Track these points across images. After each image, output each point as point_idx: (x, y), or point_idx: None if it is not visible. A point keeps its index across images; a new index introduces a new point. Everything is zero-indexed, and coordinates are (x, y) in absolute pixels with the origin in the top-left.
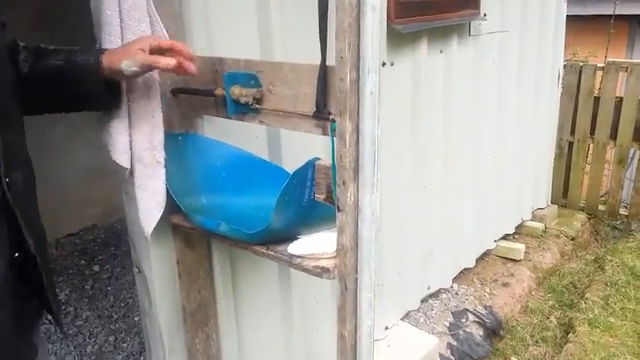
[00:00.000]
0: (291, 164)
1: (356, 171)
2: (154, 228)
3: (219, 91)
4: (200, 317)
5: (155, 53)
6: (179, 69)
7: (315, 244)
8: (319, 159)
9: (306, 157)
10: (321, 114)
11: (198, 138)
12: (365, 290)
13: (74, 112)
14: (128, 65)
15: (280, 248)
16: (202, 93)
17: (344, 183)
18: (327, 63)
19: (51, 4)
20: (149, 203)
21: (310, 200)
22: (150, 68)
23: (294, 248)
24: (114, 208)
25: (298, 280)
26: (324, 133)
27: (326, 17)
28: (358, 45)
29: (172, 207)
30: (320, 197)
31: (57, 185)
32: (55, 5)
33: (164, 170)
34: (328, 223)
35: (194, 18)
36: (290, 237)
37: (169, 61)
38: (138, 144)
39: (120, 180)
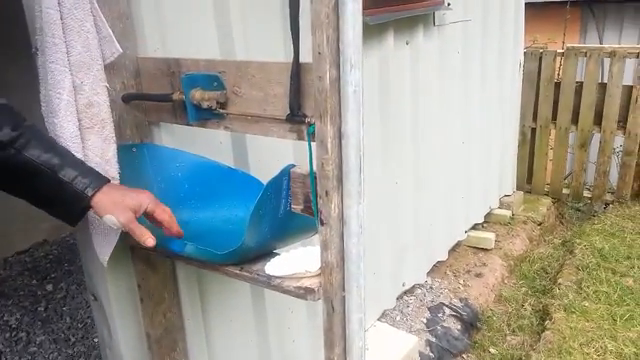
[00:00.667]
0: (259, 171)
1: (340, 180)
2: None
3: (177, 95)
4: (167, 342)
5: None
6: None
7: (296, 262)
8: (294, 166)
9: (275, 163)
10: (296, 117)
11: (155, 148)
12: (355, 310)
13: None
14: (110, 221)
15: (256, 268)
16: (157, 99)
17: (327, 194)
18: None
19: None
20: (103, 226)
21: (286, 212)
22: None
23: (272, 268)
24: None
25: (271, 292)
26: (299, 138)
27: (298, 7)
28: (337, 39)
29: None
30: (297, 208)
31: (2, 198)
32: None
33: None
34: (305, 234)
35: (145, 15)
36: (265, 253)
37: (150, 242)
38: (89, 158)
39: None
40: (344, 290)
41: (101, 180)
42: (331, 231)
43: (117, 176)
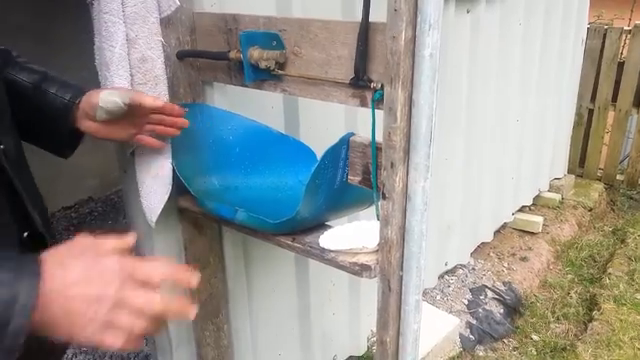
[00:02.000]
0: (310, 138)
1: (407, 152)
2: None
3: (234, 54)
4: (210, 308)
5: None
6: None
7: (352, 236)
8: (354, 134)
9: (326, 130)
10: (360, 82)
11: (207, 108)
12: (412, 292)
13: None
14: (109, 97)
15: (309, 240)
16: (213, 56)
17: (392, 166)
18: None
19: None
20: (153, 187)
21: (342, 183)
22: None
23: (327, 241)
24: (112, 179)
25: (315, 262)
26: (362, 104)
27: None
28: None
29: (179, 187)
30: (354, 180)
31: (49, 155)
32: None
33: (169, 146)
34: (358, 208)
35: None
36: (317, 224)
37: (157, 103)
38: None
39: (117, 153)
40: (402, 269)
41: (81, 90)
42: (394, 206)
43: None
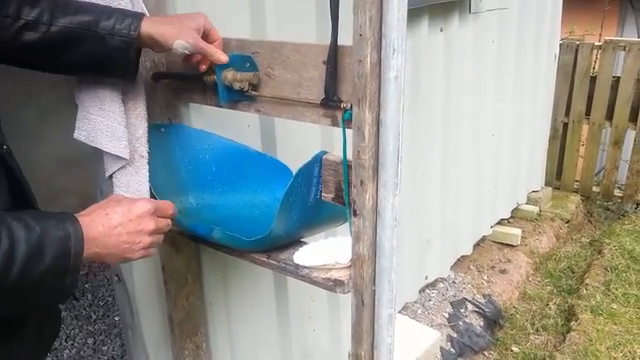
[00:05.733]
0: (287, 156)
1: (376, 170)
2: None
3: (209, 76)
4: (189, 326)
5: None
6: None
7: (325, 253)
8: (326, 153)
9: (303, 147)
10: (331, 102)
11: (183, 129)
12: (385, 306)
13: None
14: (181, 46)
15: (283, 256)
16: (189, 78)
17: (362, 183)
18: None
19: None
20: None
21: (316, 200)
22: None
23: (301, 258)
24: (91, 198)
25: (294, 279)
26: (333, 124)
27: None
28: (380, 21)
29: None
30: (328, 197)
31: (28, 174)
32: None
33: (147, 168)
34: (333, 224)
35: None
36: (292, 241)
37: (222, 57)
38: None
39: (94, 173)
40: (375, 284)
41: (138, 14)
42: (364, 222)
43: (146, 155)
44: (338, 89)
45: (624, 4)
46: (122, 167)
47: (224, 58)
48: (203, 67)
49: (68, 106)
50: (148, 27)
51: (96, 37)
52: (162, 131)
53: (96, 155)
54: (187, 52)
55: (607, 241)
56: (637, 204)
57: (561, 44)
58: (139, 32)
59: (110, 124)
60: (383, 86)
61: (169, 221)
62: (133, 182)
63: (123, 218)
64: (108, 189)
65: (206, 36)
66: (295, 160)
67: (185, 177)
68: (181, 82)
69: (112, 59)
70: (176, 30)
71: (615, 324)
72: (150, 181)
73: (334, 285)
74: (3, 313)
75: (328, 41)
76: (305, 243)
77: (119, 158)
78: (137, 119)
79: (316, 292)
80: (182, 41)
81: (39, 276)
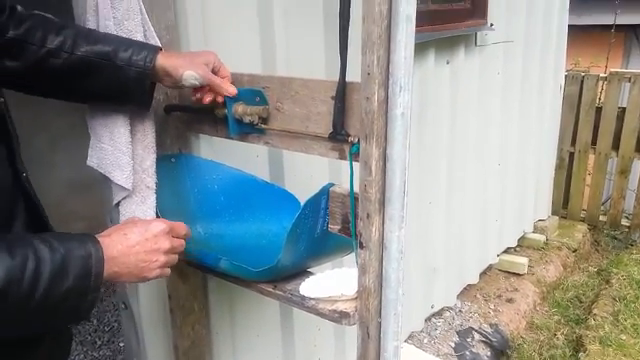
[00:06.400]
0: (294, 185)
1: (382, 203)
2: None
3: (220, 109)
4: (194, 355)
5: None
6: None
7: (331, 284)
8: (333, 185)
9: (311, 178)
10: (339, 136)
11: (193, 159)
12: (391, 338)
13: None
14: (191, 77)
15: (290, 287)
16: (200, 111)
17: (368, 216)
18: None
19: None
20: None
21: (323, 231)
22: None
23: (307, 289)
24: (100, 224)
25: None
26: (341, 157)
27: (347, 29)
28: (388, 60)
29: None
30: (334, 228)
31: (40, 198)
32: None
33: (154, 197)
34: (339, 254)
35: (191, 29)
36: (299, 271)
37: (231, 89)
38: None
39: (103, 200)
40: (380, 316)
41: (154, 48)
42: (370, 255)
43: (154, 186)
44: (346, 123)
45: (629, 36)
46: (128, 196)
47: (232, 90)
48: (208, 99)
49: (77, 133)
50: (162, 60)
51: (114, 67)
52: (172, 161)
53: (106, 181)
54: (197, 83)
55: (615, 271)
56: None
57: (566, 75)
58: (154, 64)
59: (116, 153)
60: (390, 122)
61: (183, 241)
62: (138, 211)
63: (140, 237)
64: (116, 216)
65: (215, 72)
66: (303, 190)
67: (194, 206)
68: (192, 114)
69: (128, 89)
70: (187, 63)
71: (624, 355)
72: (159, 210)
73: (340, 317)
74: (24, 332)
75: (336, 75)
76: (311, 273)
77: (124, 187)
78: (145, 150)
79: (322, 321)
80: (192, 72)
81: (63, 295)
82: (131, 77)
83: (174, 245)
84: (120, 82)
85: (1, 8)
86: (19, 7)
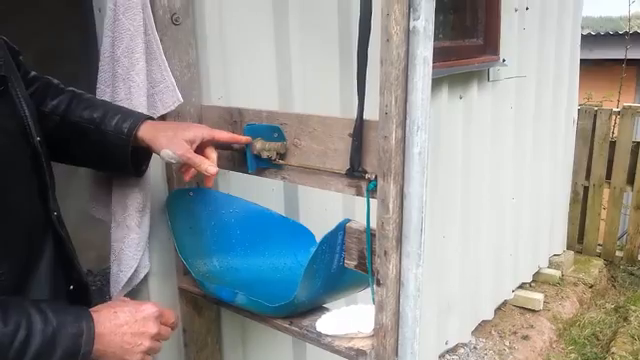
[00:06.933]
0: (310, 219)
1: (399, 240)
2: (158, 292)
3: (238, 145)
4: None
5: (205, 145)
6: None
7: (347, 321)
8: (350, 221)
9: (325, 212)
10: (356, 173)
11: (210, 193)
12: None
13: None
14: (168, 155)
15: (305, 323)
16: (218, 146)
17: (386, 254)
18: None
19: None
20: (115, 269)
21: (339, 267)
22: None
23: (323, 325)
24: (109, 252)
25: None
26: (358, 193)
27: (365, 69)
28: (405, 100)
29: (179, 269)
30: (351, 264)
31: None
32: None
33: (134, 237)
34: (355, 290)
35: (211, 65)
36: (314, 307)
37: (210, 169)
38: (115, 200)
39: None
40: (397, 354)
41: (140, 117)
42: (388, 292)
43: (135, 226)
44: (363, 160)
45: None
46: (114, 231)
47: (212, 169)
48: (187, 177)
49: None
50: (145, 131)
51: (99, 133)
52: (190, 195)
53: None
54: (174, 162)
55: (633, 308)
56: None
57: (579, 109)
58: (135, 134)
59: (93, 186)
60: (407, 161)
61: (170, 330)
62: (119, 248)
63: (130, 317)
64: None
65: (205, 145)
66: (317, 223)
67: (211, 240)
68: None
69: (112, 154)
70: (167, 140)
71: None
72: (176, 243)
73: (356, 355)
74: None
75: (350, 111)
76: (326, 309)
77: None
78: (134, 189)
79: (336, 358)
80: (169, 151)
81: None
82: (114, 144)
83: (161, 332)
84: (105, 148)
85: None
86: (33, 72)
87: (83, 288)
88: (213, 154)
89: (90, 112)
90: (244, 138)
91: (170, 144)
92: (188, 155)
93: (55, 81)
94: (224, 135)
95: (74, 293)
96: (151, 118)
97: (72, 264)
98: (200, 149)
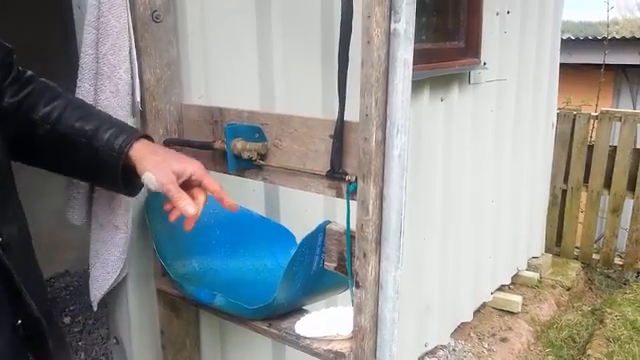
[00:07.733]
0: (290, 220)
1: (379, 242)
2: (136, 294)
3: (219, 144)
4: None
5: (193, 184)
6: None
7: (326, 323)
8: (330, 222)
9: (306, 213)
10: (336, 174)
11: None
12: None
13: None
14: (147, 179)
15: (284, 325)
16: (199, 146)
17: (365, 256)
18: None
19: (35, 40)
20: (98, 272)
21: (319, 268)
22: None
23: (302, 328)
24: (88, 253)
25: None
26: (338, 195)
27: (346, 71)
28: (385, 102)
29: (157, 271)
30: (330, 266)
31: (30, 228)
32: (39, 41)
33: (122, 236)
34: (334, 292)
35: (192, 63)
36: (294, 309)
37: (188, 208)
38: (97, 201)
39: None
40: (376, 357)
41: (134, 134)
42: (366, 294)
43: (122, 226)
44: (343, 162)
45: (619, 75)
46: (97, 233)
47: (191, 210)
48: (172, 217)
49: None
50: (136, 150)
51: (90, 147)
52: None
53: None
54: (152, 188)
55: (609, 310)
56: (638, 273)
57: (558, 113)
58: (127, 152)
59: (71, 188)
60: (387, 163)
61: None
62: (103, 250)
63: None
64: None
65: (191, 185)
66: (298, 223)
67: (190, 241)
68: (191, 148)
69: (102, 169)
70: (154, 164)
71: None
72: (155, 245)
73: (335, 357)
74: None
75: (332, 112)
76: (306, 311)
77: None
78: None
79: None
80: (151, 176)
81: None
82: (104, 159)
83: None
84: (95, 162)
85: (3, 76)
86: (29, 72)
87: (34, 322)
88: (201, 196)
89: (82, 124)
90: (230, 202)
91: (155, 169)
92: (169, 187)
93: (52, 84)
94: (214, 186)
95: (23, 327)
96: (148, 137)
97: (20, 297)
98: (187, 187)
